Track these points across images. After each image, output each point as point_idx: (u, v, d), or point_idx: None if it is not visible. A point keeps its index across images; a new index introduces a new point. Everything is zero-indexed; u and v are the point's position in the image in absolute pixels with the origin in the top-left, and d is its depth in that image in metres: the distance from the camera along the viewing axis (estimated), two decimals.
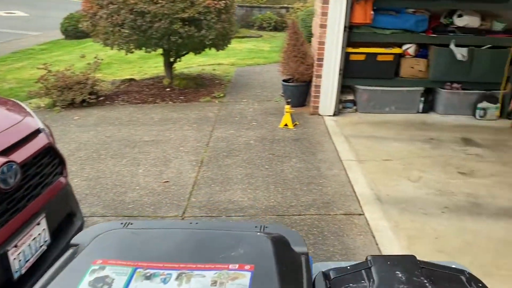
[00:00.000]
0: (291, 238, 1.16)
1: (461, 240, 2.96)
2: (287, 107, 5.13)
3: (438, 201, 3.49)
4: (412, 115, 5.71)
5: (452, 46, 5.44)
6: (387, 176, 3.90)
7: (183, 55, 6.96)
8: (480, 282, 1.21)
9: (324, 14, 5.23)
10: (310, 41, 6.56)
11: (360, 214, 3.26)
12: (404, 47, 5.62)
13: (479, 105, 5.61)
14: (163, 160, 4.24)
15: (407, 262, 1.26)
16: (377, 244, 2.89)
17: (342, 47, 5.33)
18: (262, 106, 6.07)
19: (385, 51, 5.55)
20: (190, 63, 8.72)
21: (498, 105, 5.61)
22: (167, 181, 3.80)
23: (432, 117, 5.71)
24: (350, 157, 4.27)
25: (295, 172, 3.94)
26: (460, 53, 5.43)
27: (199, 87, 7.01)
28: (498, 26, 5.61)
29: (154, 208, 3.37)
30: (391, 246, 2.87)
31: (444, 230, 3.07)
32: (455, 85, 5.66)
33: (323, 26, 5.31)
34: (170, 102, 6.28)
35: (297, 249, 1.14)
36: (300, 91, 5.89)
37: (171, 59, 6.94)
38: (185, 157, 4.32)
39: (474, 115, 5.66)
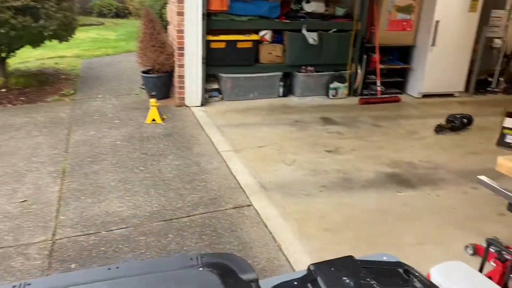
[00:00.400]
0: (236, 265, 1.01)
1: (342, 215, 3.15)
2: (153, 100, 4.82)
3: (314, 181, 3.66)
4: (274, 100, 5.92)
5: (304, 31, 5.76)
6: (265, 163, 3.95)
7: (17, 48, 6.01)
8: (414, 269, 1.25)
9: (181, 1, 5.01)
10: (165, 29, 6.27)
11: (248, 205, 3.23)
12: (261, 33, 5.75)
13: (331, 86, 6.08)
14: (14, 176, 3.59)
15: (349, 264, 1.23)
16: (271, 233, 2.89)
17: (203, 35, 5.20)
18: (122, 101, 5.62)
19: (244, 38, 5.60)
20: (25, 58, 7.62)
21: (346, 84, 6.16)
22: (24, 200, 3.23)
23: (292, 100, 6.00)
24: (227, 148, 4.21)
25: (174, 170, 3.73)
26: (312, 37, 5.78)
27: (43, 84, 6.16)
28: (340, 11, 6.12)
29: (14, 236, 2.82)
30: (284, 232, 2.91)
31: (325, 208, 3.23)
32: (309, 68, 6.03)
33: (180, 13, 5.09)
34: (8, 105, 5.38)
35: (245, 276, 1.00)
36: (162, 82, 5.60)
37: (3, 54, 5.94)
38: (41, 168, 3.73)
39: (327, 95, 6.13)
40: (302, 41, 5.79)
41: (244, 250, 2.72)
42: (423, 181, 3.74)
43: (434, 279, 2.02)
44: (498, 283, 2.23)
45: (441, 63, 6.19)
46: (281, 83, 6.01)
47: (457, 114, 5.07)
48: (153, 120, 4.83)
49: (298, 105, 5.76)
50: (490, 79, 6.84)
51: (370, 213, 3.21)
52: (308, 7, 5.89)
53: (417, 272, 1.24)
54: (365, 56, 6.16)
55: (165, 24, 6.12)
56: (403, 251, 2.76)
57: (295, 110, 5.54)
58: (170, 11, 5.74)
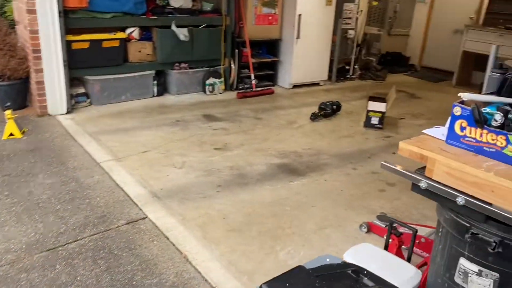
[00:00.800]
0: None
1: (243, 213, 3.10)
2: (8, 112, 4.14)
3: (209, 181, 3.54)
4: (149, 100, 5.62)
5: (173, 27, 5.54)
6: (153, 169, 3.70)
7: None
8: (360, 267, 1.23)
9: None
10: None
11: (143, 218, 2.97)
12: (128, 31, 5.38)
13: (207, 82, 5.99)
14: None
15: (301, 276, 1.15)
16: (174, 245, 2.70)
17: (61, 35, 4.64)
18: None
19: (110, 37, 5.17)
20: None
21: (222, 79, 6.14)
22: None
23: (168, 98, 5.76)
24: (106, 157, 3.83)
25: (48, 190, 3.25)
26: (182, 33, 5.60)
27: None
28: (207, 6, 6.04)
29: None
30: (188, 242, 2.74)
31: (226, 209, 3.15)
32: (183, 65, 5.85)
33: (31, 11, 4.46)
34: None
35: None
36: (17, 91, 4.86)
37: None
38: None
39: (204, 91, 6.02)
40: (172, 38, 5.57)
41: (148, 268, 2.48)
42: (310, 168, 3.89)
43: (348, 261, 2.07)
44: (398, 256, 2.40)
45: (306, 55, 6.56)
46: (155, 82, 5.73)
47: (328, 102, 5.41)
48: (11, 134, 4.17)
49: (176, 104, 5.54)
50: (347, 67, 7.49)
51: (269, 206, 3.21)
52: (174, 2, 5.69)
53: (365, 270, 1.23)
54: (236, 51, 6.21)
55: (12, 24, 5.31)
56: (309, 239, 2.82)
57: (174, 109, 5.32)
58: (18, 9, 5.00)
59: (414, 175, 1.75)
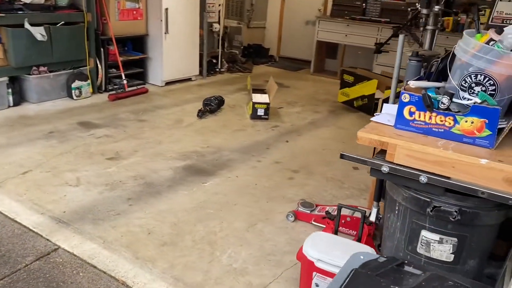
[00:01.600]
0: None
1: (168, 224, 2.90)
2: None
3: (116, 196, 3.21)
4: (5, 112, 4.81)
5: (27, 26, 4.81)
6: (44, 191, 3.19)
7: None
8: (394, 258, 1.24)
9: None
10: None
11: (55, 249, 2.55)
12: None
13: (73, 85, 5.38)
14: None
15: (366, 280, 1.10)
16: (105, 273, 2.38)
17: None
18: None
19: None
20: None
21: (89, 81, 5.58)
22: None
23: (28, 108, 5.01)
24: None
25: None
26: (39, 32, 4.90)
27: None
28: (62, 1, 5.38)
29: None
30: (120, 266, 2.44)
31: (148, 222, 2.90)
32: (42, 68, 5.14)
33: None
34: None
35: None
36: None
37: None
38: None
39: (70, 96, 5.40)
40: (27, 38, 4.84)
41: None
42: (217, 166, 3.83)
43: (310, 254, 2.12)
44: None
45: (177, 50, 6.38)
46: (9, 90, 4.92)
47: (211, 97, 5.37)
48: None
49: (40, 113, 4.85)
50: (214, 61, 7.53)
51: (192, 212, 3.07)
52: None
53: (398, 260, 1.26)
54: (102, 50, 5.70)
55: None
56: (245, 238, 2.78)
57: (40, 120, 4.65)
58: None
59: (376, 161, 1.85)
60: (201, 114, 5.08)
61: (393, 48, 6.84)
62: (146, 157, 3.91)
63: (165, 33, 6.14)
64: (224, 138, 4.50)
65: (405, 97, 1.84)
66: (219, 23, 7.27)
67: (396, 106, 2.10)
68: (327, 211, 2.80)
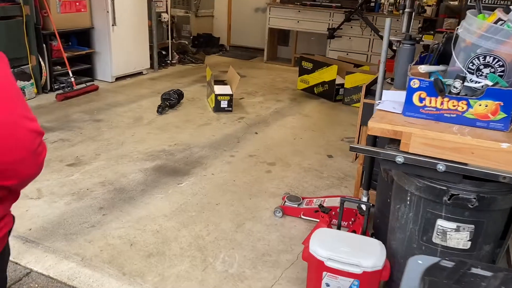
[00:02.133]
0: None
1: (150, 232, 2.68)
2: None
3: (87, 205, 2.92)
4: None
5: None
6: None
7: None
8: (460, 260, 1.15)
9: None
10: None
11: (27, 274, 2.26)
12: None
13: None
14: None
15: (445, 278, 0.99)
16: None
17: None
18: None
19: None
20: None
21: (33, 81, 5.10)
22: None
23: None
24: None
25: None
26: None
27: None
28: None
29: None
30: (106, 284, 2.21)
31: (127, 233, 2.65)
32: None
33: None
34: None
35: None
36: None
37: None
38: None
39: None
40: None
41: None
42: (189, 164, 3.62)
43: (318, 253, 2.02)
44: None
45: (125, 43, 6.00)
46: None
47: (170, 91, 5.10)
48: None
49: None
50: (164, 52, 7.20)
51: (173, 216, 2.86)
52: None
53: (462, 260, 1.17)
54: (44, 45, 5.22)
55: None
56: (235, 240, 2.63)
57: None
58: None
59: (390, 152, 1.76)
60: (161, 110, 4.80)
61: (346, 33, 6.90)
62: (110, 160, 3.61)
63: (113, 25, 5.74)
64: (191, 134, 4.28)
65: (415, 83, 1.76)
66: (167, 13, 6.94)
67: (398, 92, 2.02)
68: (320, 204, 2.70)
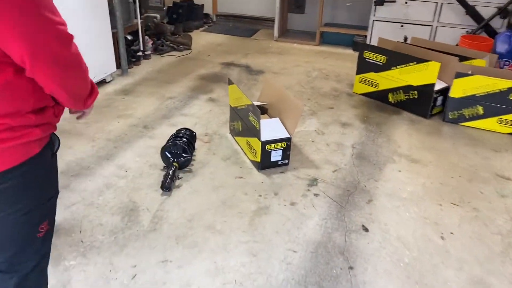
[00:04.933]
0: None
1: None
2: None
3: None
4: None
5: None
6: None
7: None
8: None
9: None
10: None
11: None
12: None
13: None
14: None
15: None
16: None
17: None
18: None
19: None
20: None
21: None
22: None
23: None
24: None
25: None
26: None
27: None
28: None
29: None
30: None
31: None
32: None
33: None
34: None
35: None
36: None
37: None
38: None
39: None
40: None
41: None
42: None
43: None
44: None
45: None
46: None
47: (176, 137, 2.80)
48: None
49: None
50: (130, 38, 4.72)
51: None
52: None
53: None
54: None
55: None
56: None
57: None
58: None
59: None
60: (169, 183, 2.54)
61: None
62: None
63: None
64: (249, 251, 2.11)
65: None
66: None
67: None
68: None
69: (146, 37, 4.83)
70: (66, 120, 3.24)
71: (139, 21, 4.60)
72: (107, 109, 3.57)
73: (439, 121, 3.52)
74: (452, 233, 2.28)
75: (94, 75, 3.84)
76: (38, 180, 1.13)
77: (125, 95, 3.85)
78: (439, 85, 3.49)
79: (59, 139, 1.23)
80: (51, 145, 1.16)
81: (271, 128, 2.78)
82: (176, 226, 2.28)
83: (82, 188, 2.56)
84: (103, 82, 4.01)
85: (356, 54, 3.97)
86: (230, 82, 3.05)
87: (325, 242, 2.19)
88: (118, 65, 4.22)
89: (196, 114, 3.52)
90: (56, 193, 1.25)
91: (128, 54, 4.40)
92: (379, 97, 3.82)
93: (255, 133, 2.69)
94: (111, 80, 4.10)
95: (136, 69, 4.48)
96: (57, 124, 1.19)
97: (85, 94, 1.15)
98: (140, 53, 4.65)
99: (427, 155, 3.01)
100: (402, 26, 4.88)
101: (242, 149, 3.00)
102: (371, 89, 3.86)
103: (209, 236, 2.20)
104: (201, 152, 2.97)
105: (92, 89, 1.17)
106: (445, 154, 3.05)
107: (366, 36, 5.12)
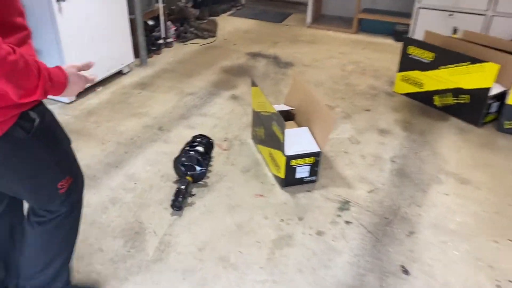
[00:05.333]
0: None
1: None
2: None
3: None
4: None
5: None
6: None
7: None
8: None
9: None
10: None
11: None
12: None
13: None
14: None
15: None
16: None
17: None
18: None
19: None
20: None
21: None
22: None
23: None
24: None
25: None
26: None
27: None
28: None
29: None
30: None
31: None
32: None
33: None
34: None
35: None
36: None
37: None
38: None
39: None
40: None
41: None
42: None
43: None
44: None
45: (87, 27, 3.22)
46: None
47: (190, 148, 2.49)
48: None
49: None
50: (151, 23, 4.40)
51: None
52: None
53: None
54: None
55: None
56: None
57: None
58: None
59: None
60: (179, 204, 2.24)
61: None
62: None
63: (58, 0, 2.95)
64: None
65: None
66: None
67: None
68: None
69: (169, 23, 4.50)
70: (76, 118, 2.96)
71: (161, 5, 4.26)
72: (121, 105, 3.29)
73: (493, 131, 3.06)
74: (510, 281, 1.90)
75: (108, 69, 3.55)
76: (13, 159, 1.23)
77: (141, 89, 3.56)
78: (494, 89, 3.03)
79: (45, 114, 1.27)
80: (24, 124, 1.19)
81: (298, 139, 2.42)
82: (185, 256, 1.99)
83: (86, 203, 2.29)
84: (119, 73, 3.73)
85: (398, 44, 3.53)
86: (254, 84, 2.69)
87: (357, 287, 1.85)
88: (137, 55, 3.92)
89: (216, 114, 3.19)
90: (61, 154, 1.38)
91: (148, 42, 4.10)
92: (423, 99, 3.38)
93: (279, 146, 2.35)
94: (128, 72, 3.82)
95: (156, 58, 4.18)
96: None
97: (32, 85, 1.08)
98: (161, 41, 4.33)
99: (479, 175, 2.59)
100: (451, 14, 4.34)
101: (264, 159, 2.66)
102: (414, 89, 3.42)
103: (221, 273, 1.90)
104: (219, 161, 2.66)
105: (39, 76, 1.08)
106: (500, 173, 2.62)
107: (409, 25, 4.61)
